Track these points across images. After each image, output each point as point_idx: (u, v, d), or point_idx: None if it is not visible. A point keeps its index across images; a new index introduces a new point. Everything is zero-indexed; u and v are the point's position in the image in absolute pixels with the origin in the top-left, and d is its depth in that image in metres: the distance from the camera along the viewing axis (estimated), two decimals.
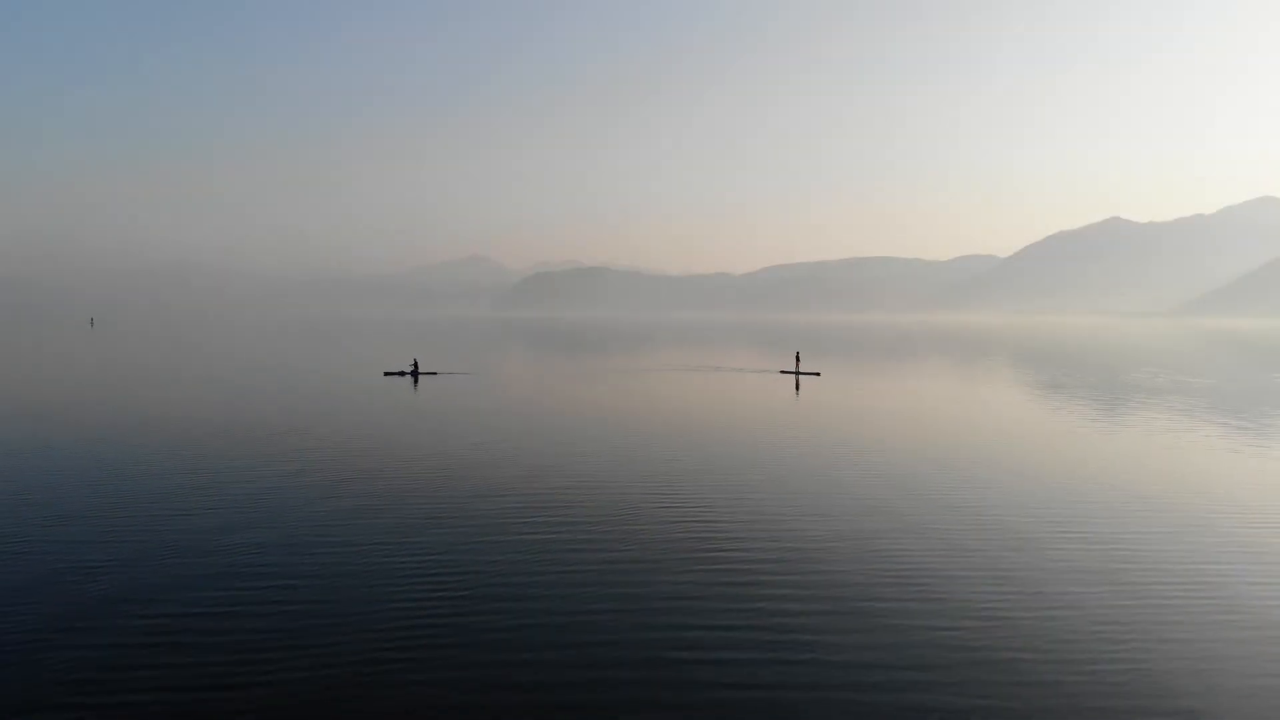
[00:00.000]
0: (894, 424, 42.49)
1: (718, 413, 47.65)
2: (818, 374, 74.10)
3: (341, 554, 19.61)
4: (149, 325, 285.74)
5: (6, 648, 14.31)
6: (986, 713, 12.14)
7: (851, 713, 12.17)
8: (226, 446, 34.46)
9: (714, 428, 41.09)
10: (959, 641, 14.58)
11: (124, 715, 12.09)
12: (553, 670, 13.54)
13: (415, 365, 71.25)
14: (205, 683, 13.03)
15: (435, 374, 71.36)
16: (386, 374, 70.87)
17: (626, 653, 14.17)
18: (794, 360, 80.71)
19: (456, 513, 23.68)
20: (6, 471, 29.38)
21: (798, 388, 62.56)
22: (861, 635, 14.84)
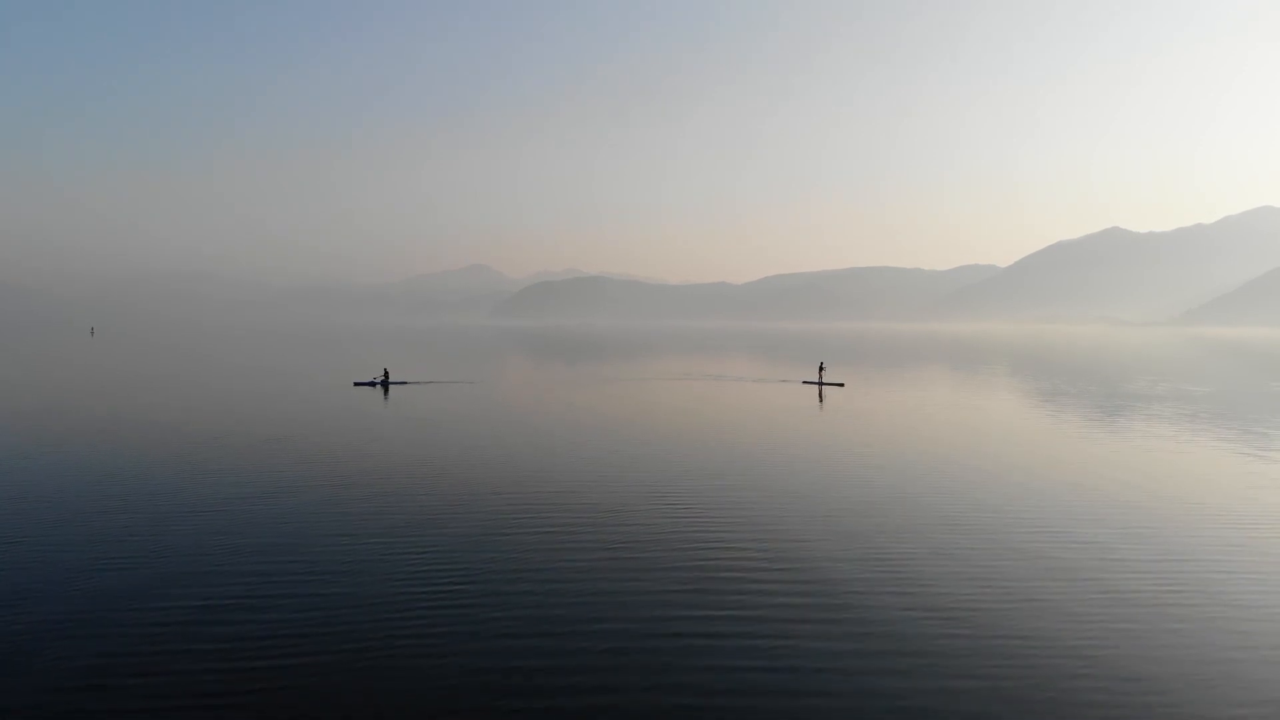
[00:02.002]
0: (919, 436, 42.04)
1: (740, 423, 46.82)
2: (841, 385, 73.09)
3: (327, 558, 19.38)
4: (148, 334, 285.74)
5: (14, 648, 14.35)
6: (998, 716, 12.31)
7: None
8: (189, 456, 34.22)
9: (738, 438, 40.51)
10: (965, 647, 14.50)
11: (128, 713, 12.25)
12: (554, 673, 13.39)
13: (385, 375, 70.47)
14: (204, 684, 13.19)
15: (405, 383, 70.81)
16: (357, 384, 70.01)
17: (636, 658, 14.06)
18: (817, 370, 79.13)
19: (449, 520, 23.46)
20: (6, 479, 29.28)
21: (821, 398, 61.83)
22: (882, 642, 14.78)
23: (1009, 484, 29.26)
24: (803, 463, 33.29)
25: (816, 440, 39.80)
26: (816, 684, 13.24)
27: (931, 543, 21.24)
